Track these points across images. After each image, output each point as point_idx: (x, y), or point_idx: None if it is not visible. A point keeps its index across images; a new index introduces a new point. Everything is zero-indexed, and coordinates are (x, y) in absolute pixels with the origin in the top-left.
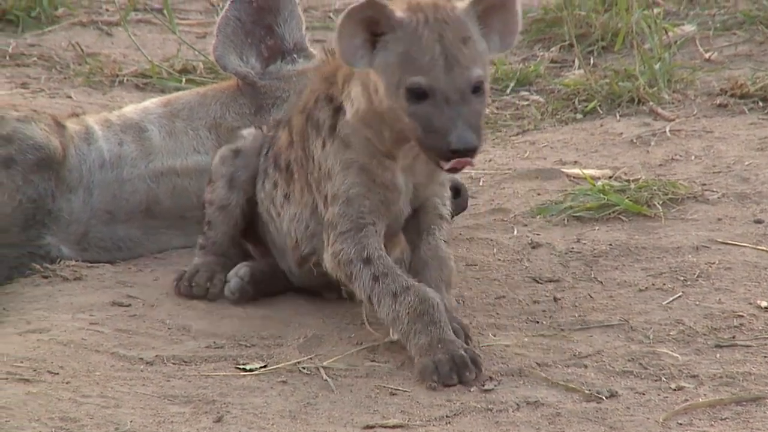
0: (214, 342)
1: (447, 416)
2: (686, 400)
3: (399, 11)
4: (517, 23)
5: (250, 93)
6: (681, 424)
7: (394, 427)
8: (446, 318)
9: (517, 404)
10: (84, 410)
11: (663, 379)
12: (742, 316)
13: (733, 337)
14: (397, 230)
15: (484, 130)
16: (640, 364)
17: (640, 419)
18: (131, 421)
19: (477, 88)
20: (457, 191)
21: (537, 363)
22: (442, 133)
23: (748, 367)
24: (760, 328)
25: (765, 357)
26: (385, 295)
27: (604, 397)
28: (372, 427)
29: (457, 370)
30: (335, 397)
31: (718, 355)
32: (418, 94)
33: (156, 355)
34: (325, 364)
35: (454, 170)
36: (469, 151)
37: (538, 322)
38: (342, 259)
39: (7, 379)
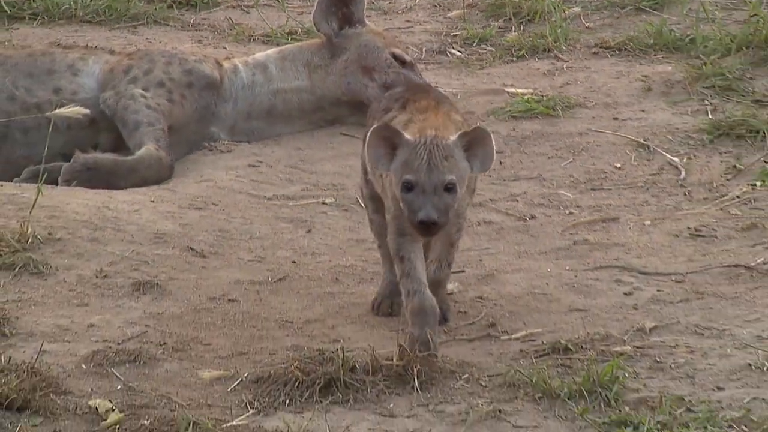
0: (307, 187)
1: None
2: (574, 220)
3: (408, 135)
4: (492, 154)
5: (329, 46)
6: (572, 233)
7: None
8: (434, 321)
9: (478, 223)
10: (232, 225)
11: (561, 208)
12: (605, 172)
13: (601, 184)
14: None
15: (451, 215)
16: (549, 200)
17: (549, 231)
18: (259, 231)
19: (449, 188)
20: None
21: (489, 199)
22: (416, 211)
23: (609, 201)
24: (616, 179)
25: (619, 195)
26: (404, 289)
27: (527, 219)
28: None
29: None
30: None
31: (592, 194)
32: (408, 187)
33: (273, 194)
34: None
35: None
36: (431, 223)
37: (490, 176)
38: (391, 251)
39: (189, 207)
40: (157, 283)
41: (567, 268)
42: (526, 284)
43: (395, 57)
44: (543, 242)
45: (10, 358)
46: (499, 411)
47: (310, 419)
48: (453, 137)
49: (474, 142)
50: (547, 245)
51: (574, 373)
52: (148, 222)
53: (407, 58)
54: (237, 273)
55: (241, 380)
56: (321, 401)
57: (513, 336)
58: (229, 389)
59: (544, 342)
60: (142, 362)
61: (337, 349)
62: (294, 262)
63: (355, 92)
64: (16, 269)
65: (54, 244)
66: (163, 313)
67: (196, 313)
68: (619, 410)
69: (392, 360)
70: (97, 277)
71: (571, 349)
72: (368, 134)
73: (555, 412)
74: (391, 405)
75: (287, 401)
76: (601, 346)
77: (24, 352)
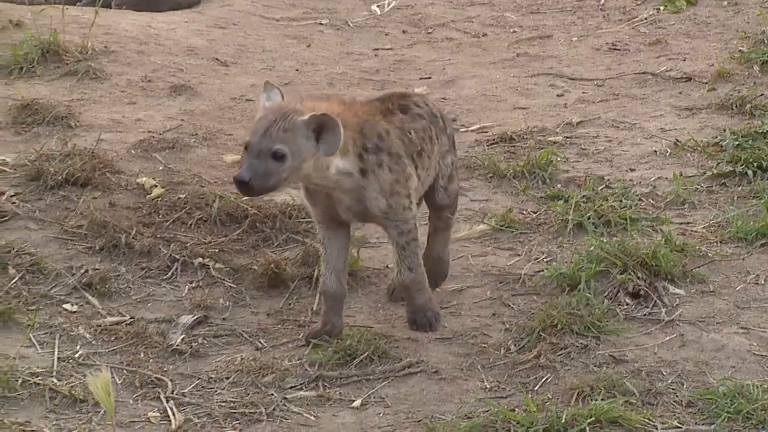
0: (307, 11)
1: None
2: (517, 37)
3: (271, 103)
4: (337, 141)
5: None
6: (515, 48)
7: None
8: (336, 304)
9: (441, 39)
10: (248, 41)
11: (507, 27)
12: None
13: (538, 9)
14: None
15: (274, 182)
16: (497, 21)
17: (497, 45)
18: (269, 46)
19: (276, 156)
20: None
21: (450, 20)
22: (238, 170)
23: (544, 22)
24: (550, 4)
25: (552, 17)
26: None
27: (480, 36)
28: None
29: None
30: None
31: (531, 17)
32: (245, 146)
33: (280, 16)
34: None
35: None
36: (242, 182)
37: (451, 2)
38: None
39: (214, 26)
40: (190, 86)
41: (512, 75)
42: (480, 88)
43: None
44: (493, 54)
45: (75, 145)
46: (460, 187)
47: None
48: (305, 117)
49: (323, 127)
50: (496, 57)
51: (518, 158)
52: (182, 38)
53: None
54: (252, 78)
55: None
56: None
57: (470, 128)
58: None
59: (494, 133)
60: (178, 148)
61: None
62: (297, 70)
63: None
64: (79, 75)
65: (108, 55)
66: (195, 110)
67: (221, 110)
68: (553, 187)
69: None
70: (142, 81)
71: (515, 139)
72: None
73: (503, 189)
74: None
75: None
76: (539, 137)
77: (86, 140)
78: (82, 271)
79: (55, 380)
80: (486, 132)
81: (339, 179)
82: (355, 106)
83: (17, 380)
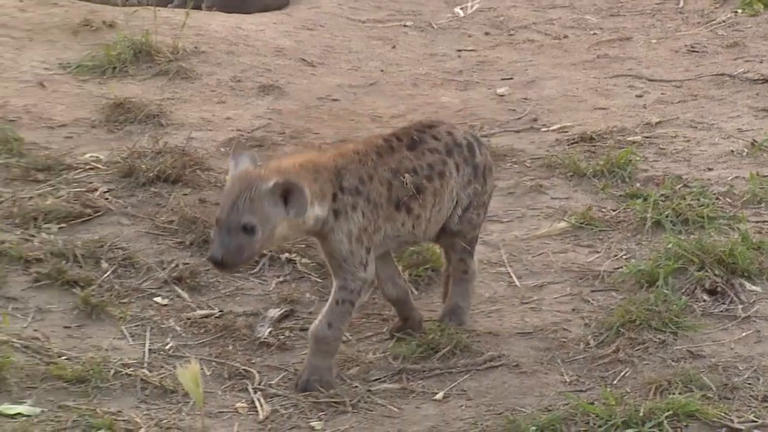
0: (392, 13)
1: None
2: (597, 39)
3: (238, 171)
4: (304, 205)
5: None
6: (595, 49)
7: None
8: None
9: (523, 41)
10: (335, 42)
11: (587, 29)
12: (621, 2)
13: (618, 11)
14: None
15: (246, 256)
16: (578, 23)
17: (578, 47)
18: (355, 47)
19: (246, 230)
20: None
21: (531, 23)
22: (210, 248)
23: (624, 24)
24: (629, 7)
25: (632, 20)
26: None
27: (561, 38)
28: None
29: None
30: None
31: (612, 19)
32: (216, 221)
33: (366, 18)
34: None
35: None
36: (216, 262)
37: (532, 4)
38: None
39: (302, 28)
40: (278, 86)
41: (592, 76)
42: (561, 88)
43: None
44: (573, 56)
45: (166, 142)
46: (540, 186)
47: None
48: (269, 184)
49: (289, 191)
50: (576, 58)
51: (597, 157)
52: (271, 39)
53: None
54: (338, 78)
55: None
56: None
57: (550, 128)
58: None
59: (574, 133)
60: (266, 146)
61: None
62: (382, 70)
63: None
64: (170, 75)
65: (199, 56)
66: (282, 109)
67: (308, 109)
68: (632, 185)
69: None
70: (232, 81)
71: (595, 139)
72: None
73: (583, 187)
74: None
75: None
76: (618, 136)
77: (176, 138)
78: (173, 265)
79: (146, 371)
80: (566, 132)
81: (317, 225)
82: (337, 150)
83: (110, 371)
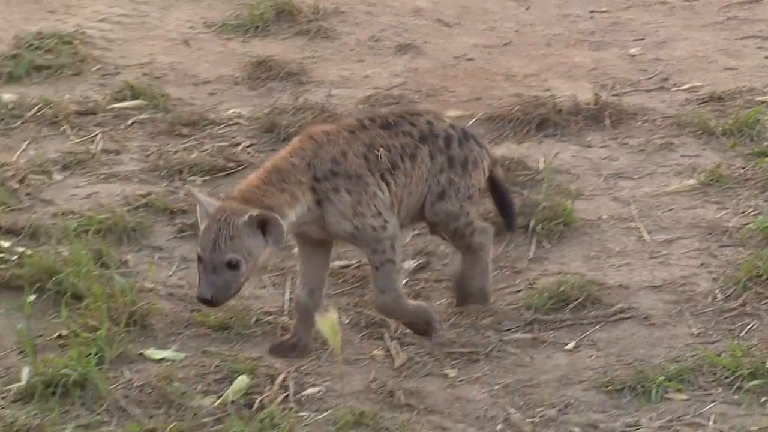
0: None
1: None
2: (728, 1)
3: (216, 206)
4: (281, 235)
5: None
6: (726, 11)
7: None
8: (303, 321)
9: (654, 2)
10: (471, 2)
11: None
12: None
13: None
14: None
15: (234, 290)
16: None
17: (709, 9)
18: (491, 7)
19: (231, 266)
20: None
21: None
22: (197, 287)
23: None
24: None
25: None
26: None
27: (693, 0)
28: None
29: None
30: None
31: None
32: (198, 259)
33: None
34: None
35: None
36: (205, 301)
37: None
38: None
39: None
40: (415, 45)
41: (722, 38)
42: (691, 49)
43: None
44: (704, 18)
45: (306, 99)
46: (670, 144)
47: (528, 148)
48: (245, 218)
49: (265, 222)
50: (707, 20)
51: (726, 116)
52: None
53: None
54: (474, 38)
55: (477, 118)
56: (536, 135)
57: (681, 88)
58: (468, 125)
59: (704, 93)
60: (403, 104)
61: (549, 96)
62: (516, 31)
63: None
64: (311, 34)
65: (338, 15)
66: (419, 68)
67: (444, 68)
68: (761, 144)
69: (589, 104)
70: (370, 40)
71: (724, 98)
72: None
73: (711, 145)
74: (589, 138)
75: (511, 134)
76: (747, 96)
77: (316, 95)
78: None
79: (286, 319)
80: (696, 91)
81: (303, 225)
82: (305, 136)
83: (251, 319)
